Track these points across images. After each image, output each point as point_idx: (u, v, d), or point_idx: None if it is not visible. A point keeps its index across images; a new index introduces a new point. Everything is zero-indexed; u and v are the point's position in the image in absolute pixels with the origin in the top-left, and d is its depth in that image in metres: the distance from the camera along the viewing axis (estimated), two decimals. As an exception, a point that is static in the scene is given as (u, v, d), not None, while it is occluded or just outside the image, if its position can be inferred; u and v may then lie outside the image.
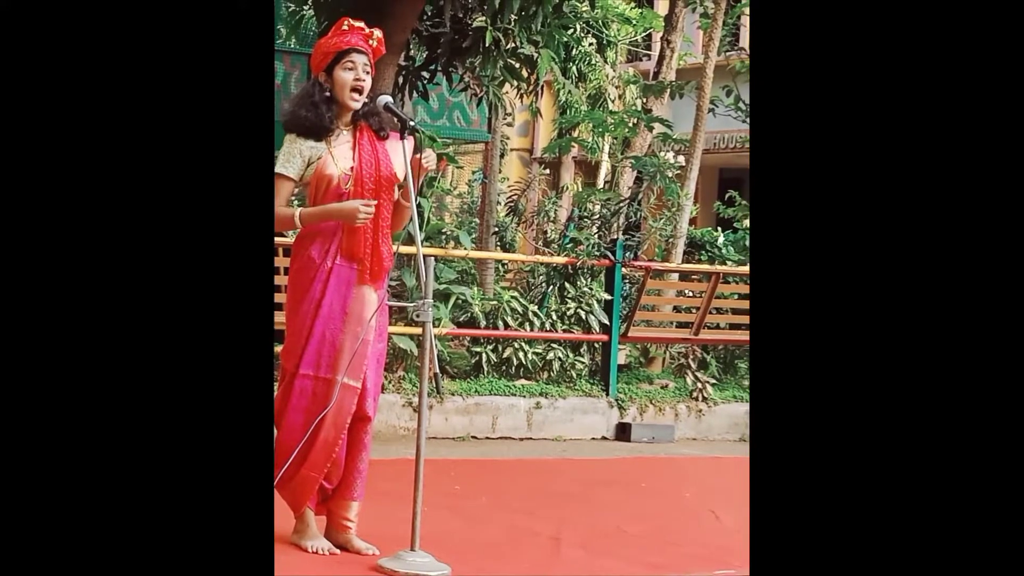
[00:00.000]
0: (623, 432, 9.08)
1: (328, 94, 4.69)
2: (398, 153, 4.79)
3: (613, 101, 15.79)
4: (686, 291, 10.56)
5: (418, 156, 4.71)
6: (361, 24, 4.76)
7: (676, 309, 10.58)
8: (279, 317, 5.02)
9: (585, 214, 10.84)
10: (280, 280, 7.88)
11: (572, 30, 11.96)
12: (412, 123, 4.75)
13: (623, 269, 9.57)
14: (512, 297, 9.29)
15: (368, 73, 4.71)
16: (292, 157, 4.66)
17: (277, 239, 7.29)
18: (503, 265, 12.33)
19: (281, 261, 7.99)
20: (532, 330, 9.14)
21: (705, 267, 10.39)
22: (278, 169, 4.67)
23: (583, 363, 9.44)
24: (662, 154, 11.93)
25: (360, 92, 4.69)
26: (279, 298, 7.67)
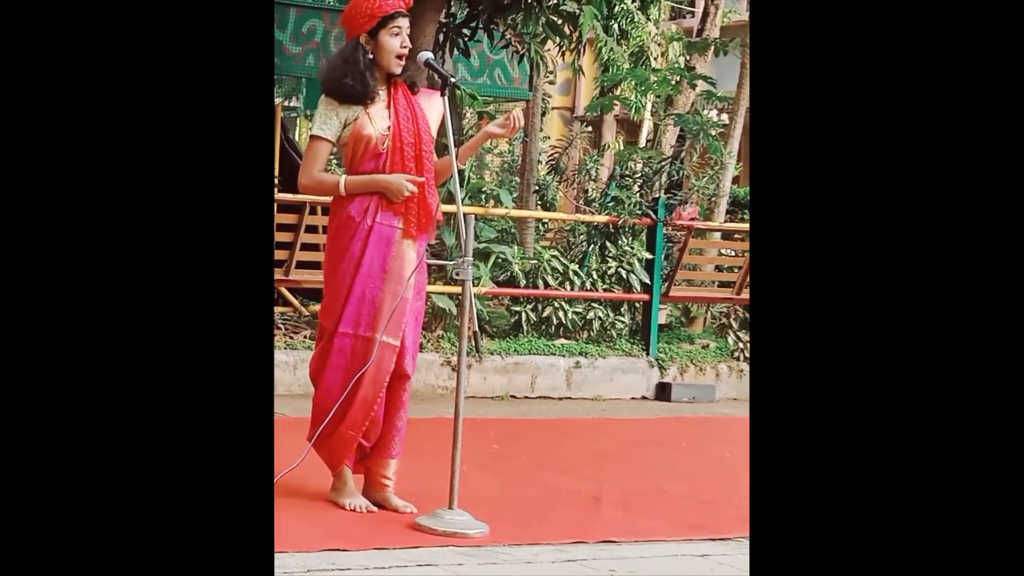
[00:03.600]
0: (663, 392, 9.04)
1: (371, 58, 4.63)
2: (434, 108, 4.75)
3: (656, 59, 15.64)
4: (728, 250, 10.48)
5: (507, 117, 4.63)
6: None
7: (718, 268, 10.50)
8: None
9: (627, 172, 10.76)
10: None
11: (615, -14, 11.84)
12: (453, 80, 4.71)
13: (665, 228, 9.50)
14: (552, 256, 9.25)
15: (408, 35, 4.67)
16: (329, 119, 4.63)
17: (316, 198, 7.29)
18: (543, 224, 12.29)
19: (320, 220, 7.99)
20: (572, 289, 9.11)
21: (748, 226, 10.30)
22: (315, 132, 4.65)
23: (623, 322, 9.40)
24: (705, 112, 11.82)
25: (403, 59, 4.64)
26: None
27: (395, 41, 4.61)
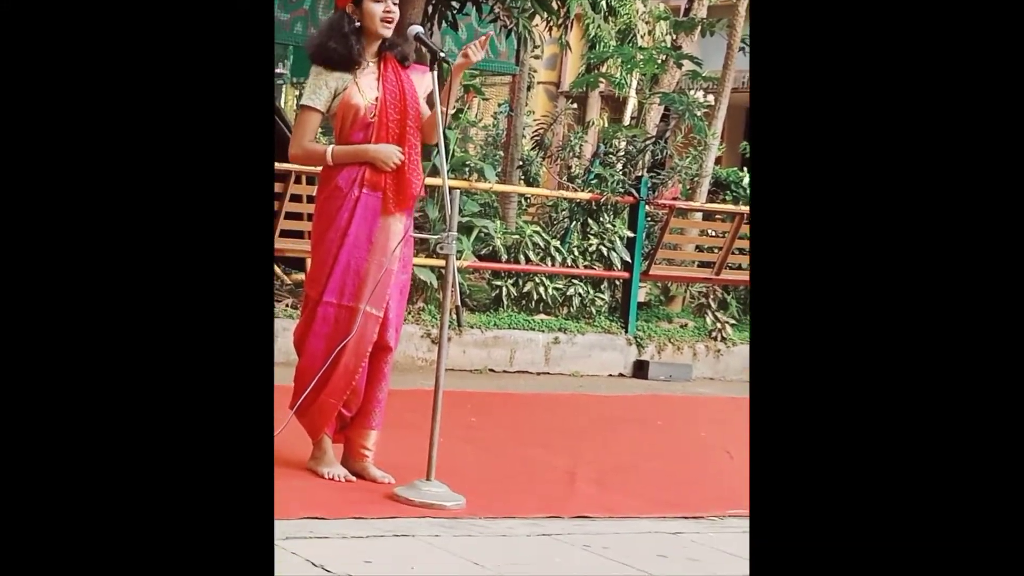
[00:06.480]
0: (640, 370, 9.09)
1: (357, 25, 4.67)
2: (424, 84, 4.78)
3: (643, 37, 15.64)
4: (709, 231, 10.53)
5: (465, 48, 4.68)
6: None
7: (698, 248, 10.56)
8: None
9: (611, 150, 10.79)
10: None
11: (604, -37, 11.85)
12: (442, 54, 4.73)
13: (647, 207, 9.55)
14: (534, 232, 9.29)
15: (396, 3, 4.69)
16: (319, 89, 4.66)
17: (301, 167, 7.30)
18: (526, 199, 12.31)
19: (305, 189, 8.01)
20: (553, 265, 9.15)
21: (729, 207, 10.35)
22: (304, 101, 4.67)
23: (603, 300, 9.45)
24: (691, 92, 11.85)
25: (390, 23, 4.67)
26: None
27: (378, 7, 4.64)
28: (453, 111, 4.77)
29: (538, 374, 8.71)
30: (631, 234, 9.37)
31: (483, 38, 4.71)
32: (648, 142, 10.80)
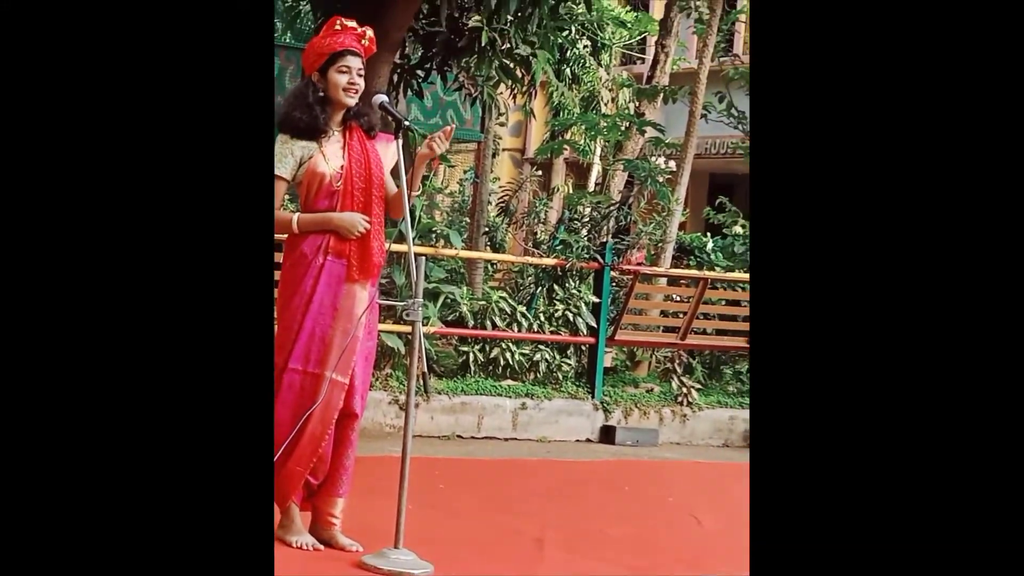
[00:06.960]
0: (607, 435, 9.10)
1: (322, 95, 4.72)
2: (390, 154, 4.82)
3: (606, 104, 15.82)
4: (674, 296, 10.59)
5: (428, 139, 4.74)
6: (353, 23, 4.79)
7: (663, 313, 10.60)
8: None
9: (575, 216, 10.86)
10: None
11: (567, 32, 12.01)
12: (407, 123, 4.78)
13: (612, 272, 9.60)
14: (501, 297, 9.31)
15: (361, 75, 4.74)
16: (284, 157, 4.69)
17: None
18: (492, 265, 12.36)
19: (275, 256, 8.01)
20: (520, 331, 9.17)
21: (693, 272, 10.42)
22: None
23: (569, 365, 9.46)
24: (654, 159, 11.97)
25: (355, 93, 4.72)
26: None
27: (342, 78, 4.69)
28: (418, 192, 4.82)
29: (506, 440, 8.70)
30: (596, 299, 9.41)
31: (448, 129, 4.80)
32: (612, 208, 10.88)
